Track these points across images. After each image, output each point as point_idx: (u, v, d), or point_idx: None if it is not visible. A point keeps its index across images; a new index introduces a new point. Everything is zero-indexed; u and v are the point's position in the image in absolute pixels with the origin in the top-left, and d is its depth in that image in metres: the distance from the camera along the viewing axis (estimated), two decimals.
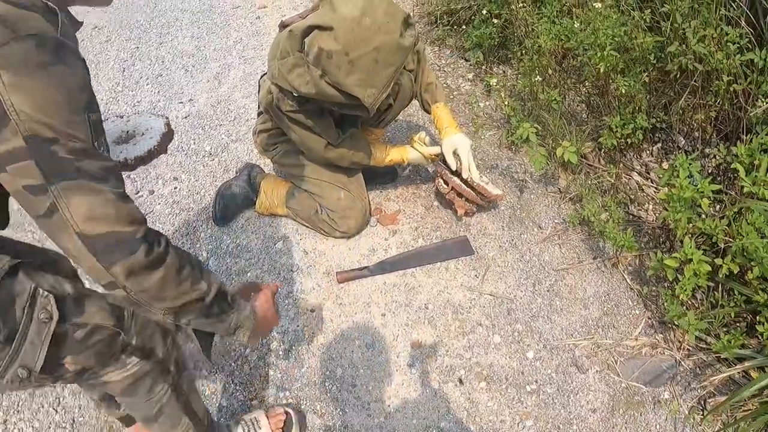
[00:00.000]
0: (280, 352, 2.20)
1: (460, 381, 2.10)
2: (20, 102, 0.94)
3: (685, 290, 2.01)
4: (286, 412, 1.96)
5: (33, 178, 0.97)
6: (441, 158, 2.54)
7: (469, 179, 2.46)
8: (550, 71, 2.97)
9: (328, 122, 2.31)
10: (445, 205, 2.71)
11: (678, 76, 2.56)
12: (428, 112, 2.63)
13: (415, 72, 2.52)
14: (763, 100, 2.31)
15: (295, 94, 2.11)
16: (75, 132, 0.99)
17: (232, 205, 2.67)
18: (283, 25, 2.23)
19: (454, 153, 2.47)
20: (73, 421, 2.04)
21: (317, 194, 2.50)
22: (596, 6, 2.68)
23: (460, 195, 2.52)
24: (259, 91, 2.53)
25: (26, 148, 0.95)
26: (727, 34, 2.33)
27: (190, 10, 4.96)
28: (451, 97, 3.45)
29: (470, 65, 3.65)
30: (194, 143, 3.25)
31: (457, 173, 2.50)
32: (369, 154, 2.48)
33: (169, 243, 1.14)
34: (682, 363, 2.11)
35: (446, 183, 2.52)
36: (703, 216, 2.18)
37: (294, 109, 2.21)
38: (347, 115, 2.27)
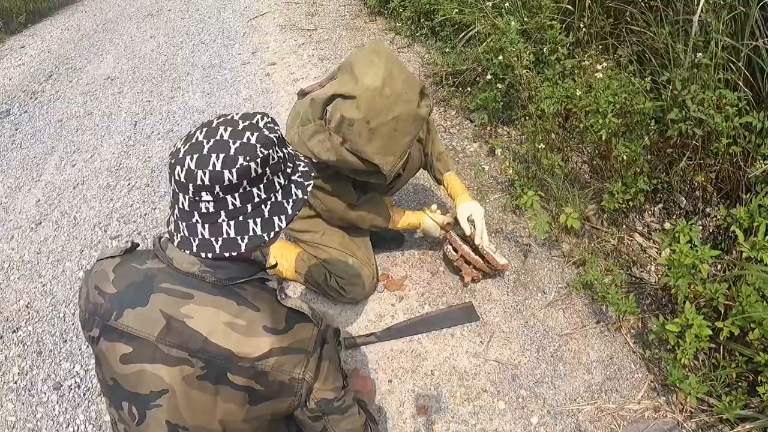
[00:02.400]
0: None
1: None
2: (319, 387, 1.36)
3: (687, 354, 2.04)
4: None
5: (316, 413, 1.39)
6: (454, 223, 2.60)
7: (480, 247, 2.52)
8: (553, 135, 3.03)
9: (347, 185, 2.37)
10: (452, 270, 2.75)
11: (678, 138, 2.62)
12: (438, 181, 2.71)
13: (424, 141, 2.59)
14: (761, 161, 2.36)
15: (314, 161, 2.16)
16: (339, 387, 1.42)
17: None
18: (302, 93, 2.31)
19: (468, 219, 2.53)
20: None
21: (326, 261, 2.53)
22: (597, 76, 2.75)
23: (467, 262, 2.57)
24: None
25: (315, 407, 1.38)
26: (725, 98, 2.39)
27: (201, 64, 5.06)
28: (456, 159, 3.51)
29: (475, 126, 3.72)
30: None
31: (466, 240, 2.56)
32: (388, 216, 2.54)
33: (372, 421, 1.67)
34: (685, 425, 2.10)
35: (455, 250, 2.58)
36: (705, 279, 2.21)
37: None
38: (359, 181, 2.35)
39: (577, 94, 2.79)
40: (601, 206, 2.77)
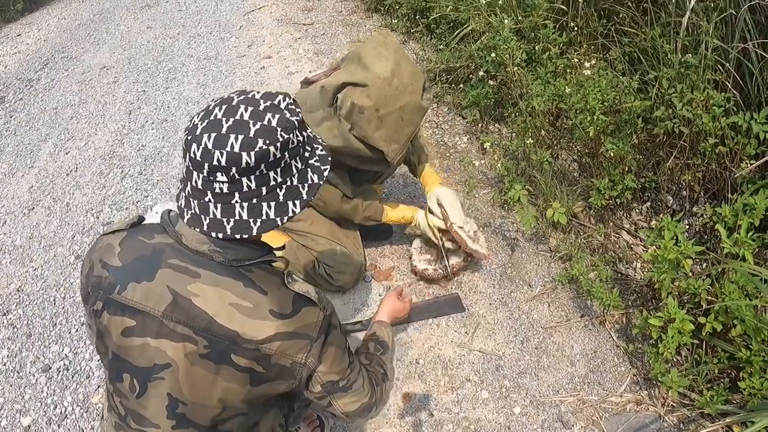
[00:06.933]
0: None
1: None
2: (324, 371, 1.37)
3: (669, 348, 2.06)
4: (319, 417, 2.08)
5: (321, 393, 1.42)
6: (428, 209, 2.60)
7: (450, 227, 2.50)
8: (543, 132, 3.06)
9: (342, 176, 2.41)
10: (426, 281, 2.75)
11: (666, 138, 2.64)
12: (415, 174, 2.76)
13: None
14: (747, 161, 2.39)
15: None
16: (344, 368, 1.43)
17: None
18: (307, 82, 2.36)
19: (438, 203, 2.55)
20: None
21: (314, 249, 2.55)
22: (586, 73, 2.78)
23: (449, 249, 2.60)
24: None
25: (321, 390, 1.41)
26: (712, 98, 2.42)
27: (197, 56, 5.06)
28: (447, 154, 3.54)
29: (467, 123, 3.74)
30: None
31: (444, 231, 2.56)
32: (381, 210, 2.57)
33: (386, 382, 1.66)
34: (666, 419, 2.13)
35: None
36: (689, 275, 2.24)
37: None
38: (353, 173, 2.39)
39: (566, 91, 2.82)
40: (589, 203, 2.80)
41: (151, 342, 1.27)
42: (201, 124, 1.20)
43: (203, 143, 1.17)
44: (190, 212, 1.26)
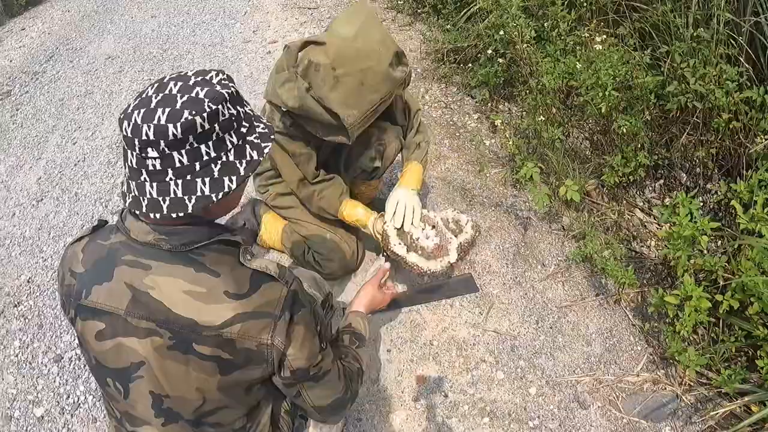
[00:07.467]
0: None
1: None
2: (293, 354, 1.34)
3: (686, 326, 2.04)
4: None
5: (290, 380, 1.39)
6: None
7: (384, 225, 2.34)
8: (554, 110, 3.02)
9: (310, 157, 2.34)
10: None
11: (678, 114, 2.61)
12: None
13: (405, 128, 2.57)
14: (762, 136, 2.35)
15: (283, 109, 2.15)
16: (314, 353, 1.40)
17: None
18: (286, 48, 2.32)
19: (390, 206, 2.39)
20: None
21: (305, 236, 2.53)
22: (597, 47, 2.74)
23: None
24: None
25: (290, 376, 1.37)
26: (725, 72, 2.38)
27: (202, 43, 5.04)
28: (457, 134, 3.51)
29: (476, 102, 3.71)
30: None
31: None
32: (336, 205, 2.43)
33: (361, 379, 1.67)
34: (684, 398, 2.11)
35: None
36: (704, 252, 2.21)
37: (280, 130, 2.24)
38: (329, 156, 2.37)
39: (577, 67, 2.78)
40: (602, 181, 2.76)
41: (123, 341, 1.27)
42: (134, 103, 1.20)
43: (133, 119, 1.16)
44: (131, 195, 1.23)
